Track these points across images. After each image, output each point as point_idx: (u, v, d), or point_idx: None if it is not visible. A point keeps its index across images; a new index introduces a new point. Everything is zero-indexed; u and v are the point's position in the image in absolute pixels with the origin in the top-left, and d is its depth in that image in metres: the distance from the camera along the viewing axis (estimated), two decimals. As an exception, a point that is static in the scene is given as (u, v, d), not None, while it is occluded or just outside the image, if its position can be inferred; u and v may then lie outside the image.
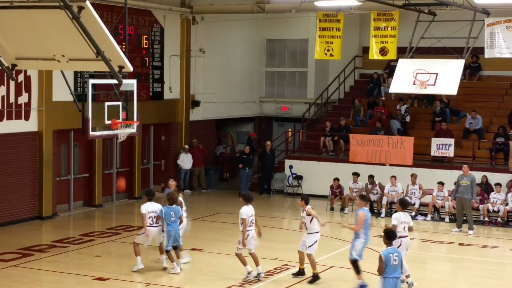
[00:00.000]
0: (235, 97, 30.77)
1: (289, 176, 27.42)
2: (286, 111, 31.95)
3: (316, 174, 26.75)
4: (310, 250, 15.49)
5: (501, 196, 22.76)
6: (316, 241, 15.56)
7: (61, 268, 16.46)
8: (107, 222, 22.41)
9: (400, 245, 14.41)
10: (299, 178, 27.22)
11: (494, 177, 23.84)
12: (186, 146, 27.45)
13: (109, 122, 17.27)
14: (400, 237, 14.44)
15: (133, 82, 18.10)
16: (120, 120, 17.54)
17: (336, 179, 24.84)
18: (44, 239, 19.68)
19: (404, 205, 15.32)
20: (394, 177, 23.95)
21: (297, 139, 30.97)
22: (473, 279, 16.33)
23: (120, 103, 17.80)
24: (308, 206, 15.63)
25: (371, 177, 24.39)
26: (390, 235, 12.05)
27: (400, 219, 14.87)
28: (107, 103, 17.44)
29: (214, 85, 29.52)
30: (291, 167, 27.46)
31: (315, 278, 15.50)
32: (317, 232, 15.68)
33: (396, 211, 15.37)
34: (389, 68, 29.10)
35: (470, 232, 21.13)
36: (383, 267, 11.60)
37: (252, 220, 15.34)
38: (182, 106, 27.78)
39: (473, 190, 21.54)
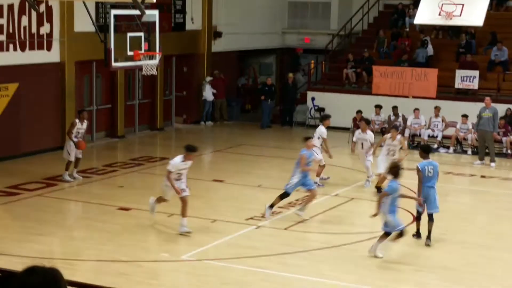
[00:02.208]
0: (257, 28, 30.50)
1: (311, 108, 27.34)
2: (309, 42, 31.65)
3: (339, 106, 26.61)
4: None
5: (525, 129, 22.60)
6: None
7: (85, 198, 16.67)
8: (130, 153, 22.58)
9: None
10: (321, 110, 27.12)
11: (518, 110, 23.63)
12: (209, 78, 27.38)
13: (131, 53, 17.23)
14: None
15: (155, 12, 17.97)
16: (142, 51, 17.49)
17: (359, 112, 24.70)
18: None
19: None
20: (417, 109, 23.80)
21: (319, 71, 30.77)
22: (494, 211, 16.34)
23: (142, 34, 17.71)
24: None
25: (395, 108, 24.23)
26: (426, 149, 14.08)
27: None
28: (129, 34, 17.35)
29: (236, 16, 29.24)
30: (313, 99, 27.35)
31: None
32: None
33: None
34: (414, -1, 28.65)
35: (492, 164, 21.05)
36: (422, 177, 13.33)
37: None
38: (204, 37, 27.61)
39: (495, 123, 21.39)
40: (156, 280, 11.56)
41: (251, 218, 14.98)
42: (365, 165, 18.20)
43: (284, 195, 15.15)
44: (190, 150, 13.91)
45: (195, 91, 27.57)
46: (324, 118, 18.83)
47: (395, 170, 12.71)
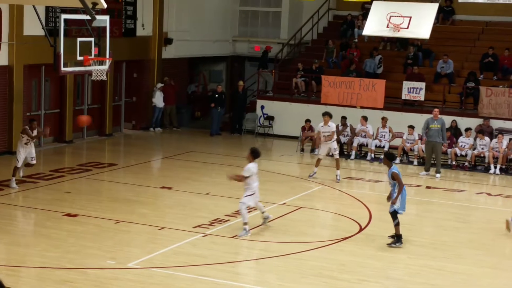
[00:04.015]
0: (208, 35, 30.55)
1: (261, 116, 27.47)
2: (259, 51, 31.79)
3: (288, 115, 26.84)
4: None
5: (469, 140, 23.05)
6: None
7: (31, 204, 16.49)
8: (78, 158, 22.39)
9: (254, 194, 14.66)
10: (270, 118, 27.29)
11: (463, 122, 24.11)
12: (160, 84, 27.33)
13: (81, 58, 17.15)
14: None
15: (106, 18, 17.90)
16: (92, 56, 17.41)
17: (308, 121, 24.94)
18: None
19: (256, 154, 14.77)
20: (363, 117, 24.05)
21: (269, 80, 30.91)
22: (439, 222, 16.63)
23: (92, 39, 17.63)
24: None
25: (343, 118, 24.47)
26: (390, 157, 14.61)
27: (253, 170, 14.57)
28: (79, 39, 17.26)
29: (188, 23, 29.26)
30: (262, 107, 27.49)
31: None
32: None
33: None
34: (364, 10, 29.01)
35: (438, 175, 21.43)
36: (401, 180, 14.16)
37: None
38: (154, 43, 27.54)
39: (443, 134, 21.80)
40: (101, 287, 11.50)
41: (199, 226, 14.99)
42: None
43: None
44: None
45: (144, 97, 27.48)
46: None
47: None
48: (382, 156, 23.29)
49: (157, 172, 21.69)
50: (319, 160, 20.47)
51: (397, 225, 14.30)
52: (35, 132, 17.99)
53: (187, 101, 30.27)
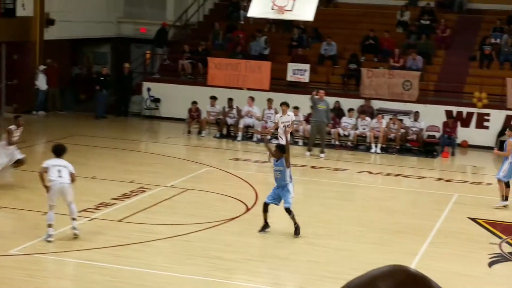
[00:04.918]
0: (92, 16, 29.94)
1: (147, 98, 27.25)
2: (145, 32, 31.44)
3: (174, 97, 26.73)
4: None
5: (352, 121, 23.64)
6: None
7: None
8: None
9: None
10: (157, 101, 27.12)
11: (346, 103, 24.68)
12: (43, 67, 26.66)
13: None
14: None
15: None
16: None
17: (194, 103, 24.93)
18: None
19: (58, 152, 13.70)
20: (250, 97, 24.28)
21: (155, 62, 30.68)
22: (324, 201, 17.02)
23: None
24: None
25: (230, 100, 24.61)
26: (282, 149, 13.77)
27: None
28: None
29: (70, 3, 28.59)
30: (149, 89, 27.26)
31: None
32: None
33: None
34: (249, -8, 29.14)
35: (322, 155, 21.90)
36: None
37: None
38: (36, 24, 26.82)
39: (328, 115, 22.28)
40: (-17, 276, 11.19)
41: (85, 210, 14.79)
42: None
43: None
44: None
45: (26, 79, 26.74)
46: None
47: None
48: (268, 137, 23.69)
49: (40, 157, 21.14)
50: None
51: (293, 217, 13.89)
52: (19, 131, 16.62)
53: (71, 84, 29.64)
